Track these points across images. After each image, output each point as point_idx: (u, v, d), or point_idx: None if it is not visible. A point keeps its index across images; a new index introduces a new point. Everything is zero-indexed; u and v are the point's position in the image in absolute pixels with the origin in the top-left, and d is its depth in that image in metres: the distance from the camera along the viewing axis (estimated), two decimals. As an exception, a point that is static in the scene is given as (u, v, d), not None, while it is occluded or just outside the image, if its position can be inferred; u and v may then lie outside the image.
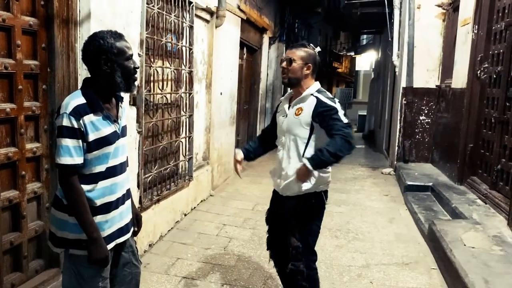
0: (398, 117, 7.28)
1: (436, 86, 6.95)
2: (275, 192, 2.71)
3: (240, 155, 2.70)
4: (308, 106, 2.43)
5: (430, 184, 5.67)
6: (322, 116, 2.36)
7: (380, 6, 8.54)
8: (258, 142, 2.85)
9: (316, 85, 2.51)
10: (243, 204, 5.31)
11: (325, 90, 2.53)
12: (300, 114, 2.45)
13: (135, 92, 3.31)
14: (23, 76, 2.42)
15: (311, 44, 2.58)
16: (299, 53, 2.47)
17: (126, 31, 3.13)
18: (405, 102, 7.10)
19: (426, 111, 7.08)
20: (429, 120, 7.08)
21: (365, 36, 18.79)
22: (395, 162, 7.31)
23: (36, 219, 2.64)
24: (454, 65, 5.91)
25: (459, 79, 5.65)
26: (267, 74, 9.42)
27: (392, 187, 6.49)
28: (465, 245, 3.40)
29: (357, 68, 22.58)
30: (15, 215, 2.48)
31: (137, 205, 3.51)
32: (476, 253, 3.25)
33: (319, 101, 2.40)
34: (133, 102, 3.34)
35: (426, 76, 7.04)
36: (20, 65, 2.39)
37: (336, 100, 2.45)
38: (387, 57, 9.49)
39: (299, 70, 2.46)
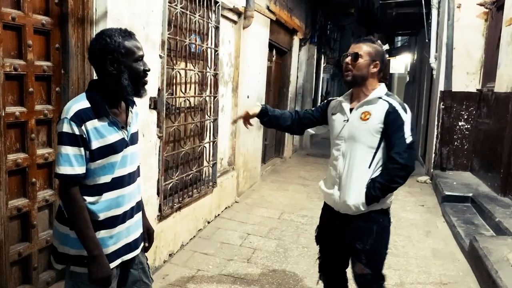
0: (436, 122, 6.89)
1: (477, 90, 6.53)
2: (329, 208, 2.37)
3: (254, 111, 2.43)
4: (378, 111, 2.14)
5: (470, 194, 5.30)
6: (389, 128, 2.11)
7: (417, 6, 8.16)
8: (285, 116, 2.50)
9: (383, 87, 2.23)
10: (269, 212, 5.09)
11: (393, 94, 2.26)
12: (368, 119, 2.15)
13: (153, 94, 3.16)
14: (34, 78, 2.29)
15: (378, 41, 2.27)
16: (366, 48, 2.17)
17: (146, 31, 2.99)
18: (443, 106, 6.71)
19: (465, 117, 6.67)
20: (468, 126, 6.67)
21: (399, 38, 18.27)
22: (432, 170, 6.92)
23: (48, 228, 2.51)
24: (498, 68, 5.51)
25: (503, 82, 5.25)
26: (297, 77, 9.18)
27: (429, 197, 6.11)
28: (512, 266, 3.07)
29: (391, 71, 21.96)
30: (25, 224, 2.35)
31: (156, 213, 3.36)
32: (525, 276, 2.93)
33: (392, 107, 2.12)
34: (154, 105, 3.19)
35: (466, 79, 6.63)
36: (31, 66, 2.26)
37: (407, 107, 2.17)
38: (423, 59, 9.08)
39: (365, 68, 2.16)
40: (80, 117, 1.61)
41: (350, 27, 15.14)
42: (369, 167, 2.16)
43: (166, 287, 3.18)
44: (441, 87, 6.76)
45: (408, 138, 2.08)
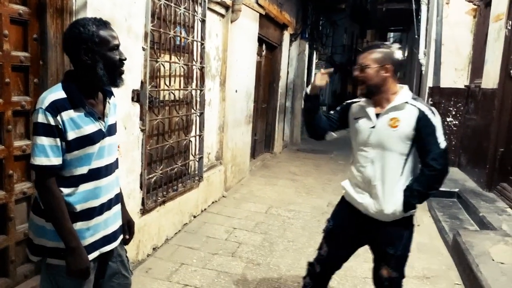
0: (424, 118, 6.90)
1: (465, 86, 6.57)
2: (354, 209, 2.30)
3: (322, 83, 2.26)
4: (408, 117, 2.09)
5: (456, 190, 5.32)
6: (421, 133, 2.07)
7: (407, 2, 8.20)
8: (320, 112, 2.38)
9: (407, 90, 2.18)
10: (256, 206, 5.09)
11: (418, 97, 2.21)
12: (397, 126, 2.09)
13: (135, 86, 3.14)
14: (11, 68, 2.26)
15: (386, 43, 2.23)
16: (371, 56, 2.13)
17: (128, 22, 2.96)
18: (431, 102, 6.72)
19: (453, 113, 6.70)
20: (456, 122, 6.70)
21: (392, 35, 18.37)
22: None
23: (26, 221, 2.47)
24: (485, 64, 5.54)
25: (490, 78, 5.29)
26: (288, 72, 9.16)
27: (415, 192, 6.14)
28: (493, 260, 3.10)
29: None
30: (1, 216, 2.33)
31: (139, 207, 3.35)
32: (505, 269, 2.96)
33: (422, 113, 2.07)
34: (137, 98, 3.16)
35: (454, 75, 6.66)
36: (7, 56, 2.23)
37: (436, 111, 2.13)
38: (413, 55, 9.12)
39: (375, 76, 2.11)
40: (55, 107, 1.59)
41: (342, 23, 15.13)
42: (402, 174, 2.14)
43: (149, 280, 3.16)
44: (429, 83, 6.78)
45: (442, 143, 2.07)
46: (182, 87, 4.02)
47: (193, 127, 4.35)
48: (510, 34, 4.76)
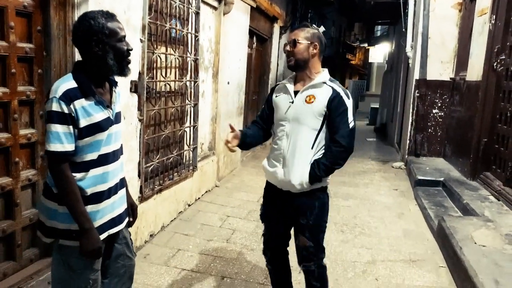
0: (411, 110, 7.10)
1: (450, 78, 6.75)
2: (272, 187, 2.45)
3: (236, 137, 2.38)
4: (323, 95, 2.25)
5: (442, 179, 5.51)
6: (333, 112, 2.23)
7: (395, -4, 8.32)
8: (256, 130, 2.53)
9: (327, 72, 2.35)
10: (248, 196, 5.21)
11: (335, 80, 2.36)
12: (312, 102, 2.26)
13: (133, 77, 3.22)
14: (16, 59, 2.33)
15: (313, 25, 2.39)
16: (302, 34, 2.29)
17: (127, 15, 3.04)
18: (418, 94, 6.92)
19: (439, 104, 6.89)
20: (442, 114, 6.90)
21: (379, 27, 18.47)
22: (406, 156, 7.15)
23: (31, 207, 2.57)
24: (470, 57, 5.71)
25: (474, 71, 5.46)
26: (277, 64, 9.26)
27: (402, 182, 6.33)
28: (475, 243, 3.27)
29: (370, 60, 22.25)
30: (8, 202, 2.41)
31: (137, 194, 3.44)
32: (487, 252, 3.12)
33: (336, 93, 2.24)
34: (135, 89, 3.25)
35: (440, 68, 6.84)
36: (13, 47, 2.30)
37: (350, 94, 2.32)
38: (400, 48, 9.27)
39: (305, 51, 2.27)
40: (68, 96, 1.68)
41: (331, 16, 15.26)
42: (312, 148, 2.28)
43: (148, 266, 3.28)
44: (416, 75, 6.95)
45: (351, 123, 2.24)
46: (177, 78, 4.11)
47: (188, 117, 4.45)
48: (493, 29, 4.92)
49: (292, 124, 2.31)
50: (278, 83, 2.54)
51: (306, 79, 2.33)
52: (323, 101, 2.24)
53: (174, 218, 4.22)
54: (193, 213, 4.46)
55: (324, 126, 2.28)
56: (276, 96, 2.44)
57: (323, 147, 2.31)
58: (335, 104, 2.23)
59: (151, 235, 3.73)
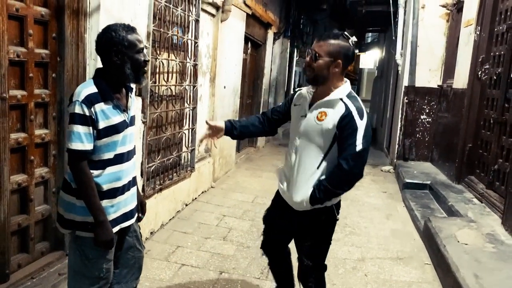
0: (400, 116, 7.34)
1: (438, 86, 7.01)
2: (280, 196, 2.40)
3: (219, 124, 2.38)
4: (334, 113, 2.09)
5: (428, 182, 5.75)
6: (341, 132, 2.07)
7: (385, 5, 8.58)
8: (252, 121, 2.47)
9: (347, 86, 2.16)
10: (243, 196, 5.40)
11: (355, 95, 2.16)
12: (323, 120, 2.10)
13: (143, 84, 3.39)
14: (34, 64, 2.50)
15: (345, 33, 2.14)
16: (326, 47, 2.07)
17: (133, 23, 3.19)
18: (406, 101, 7.16)
19: (427, 111, 7.15)
20: (430, 120, 7.16)
21: (370, 34, 18.75)
22: (395, 160, 7.39)
23: (43, 203, 2.74)
24: (456, 66, 5.97)
25: (460, 79, 5.71)
26: (271, 70, 9.47)
27: (391, 185, 6.57)
28: (458, 241, 3.48)
29: (361, 66, 22.55)
30: (23, 198, 2.57)
31: (140, 193, 3.60)
32: (468, 249, 3.34)
33: (348, 111, 2.06)
34: (139, 92, 3.42)
35: (429, 75, 7.10)
36: (31, 53, 2.47)
37: (365, 113, 2.10)
38: (390, 56, 9.54)
39: (325, 68, 2.08)
40: (89, 100, 1.86)
41: (323, 22, 15.50)
42: (318, 168, 2.16)
43: (149, 261, 3.44)
44: (405, 82, 7.20)
45: (359, 146, 2.03)
46: (177, 82, 4.29)
47: (186, 120, 4.63)
48: (478, 39, 5.17)
49: (302, 140, 2.20)
50: (300, 88, 2.37)
51: (326, 91, 2.15)
52: (334, 119, 2.08)
53: (173, 217, 4.39)
54: (190, 213, 4.63)
55: (334, 147, 2.13)
56: (294, 105, 2.33)
57: (332, 168, 2.16)
58: (344, 124, 2.05)
59: (151, 233, 3.89)
